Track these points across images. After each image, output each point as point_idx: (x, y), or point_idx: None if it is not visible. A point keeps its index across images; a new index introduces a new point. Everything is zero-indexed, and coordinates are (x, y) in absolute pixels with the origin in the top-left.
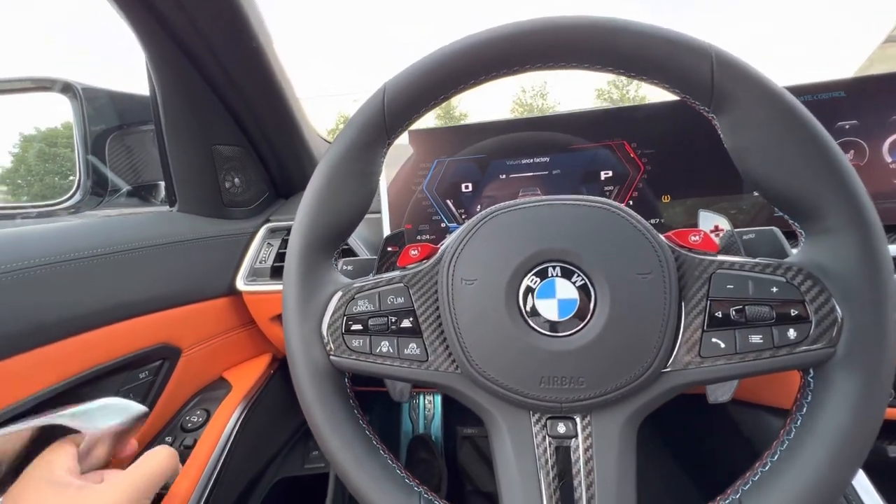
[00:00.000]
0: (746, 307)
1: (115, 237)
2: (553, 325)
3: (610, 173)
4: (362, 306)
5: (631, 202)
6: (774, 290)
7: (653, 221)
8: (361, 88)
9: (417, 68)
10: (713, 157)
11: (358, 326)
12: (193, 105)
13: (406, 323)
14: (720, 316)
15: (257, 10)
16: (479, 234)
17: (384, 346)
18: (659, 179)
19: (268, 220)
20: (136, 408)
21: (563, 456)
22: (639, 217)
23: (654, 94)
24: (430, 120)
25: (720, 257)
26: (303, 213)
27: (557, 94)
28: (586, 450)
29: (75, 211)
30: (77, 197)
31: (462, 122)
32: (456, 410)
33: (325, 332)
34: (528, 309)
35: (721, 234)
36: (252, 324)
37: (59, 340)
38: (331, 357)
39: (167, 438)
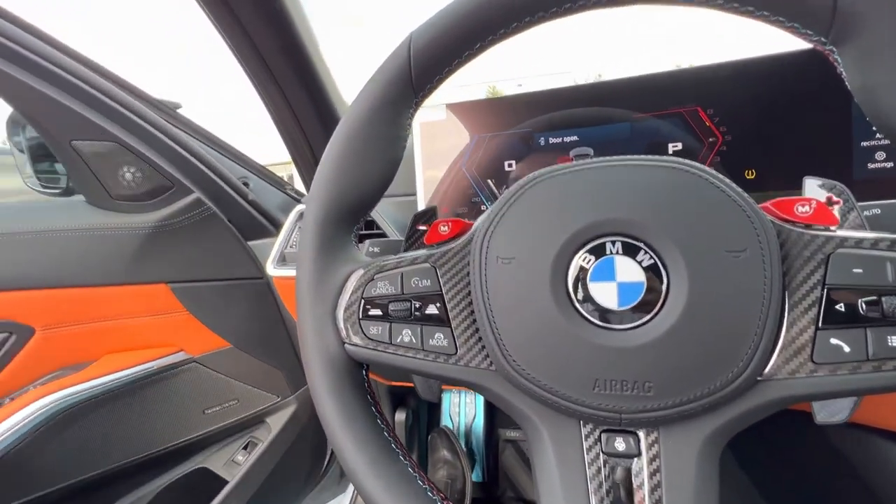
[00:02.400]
0: (884, 298)
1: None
2: (612, 315)
3: (679, 145)
4: (382, 288)
5: None
6: None
7: None
8: None
9: (449, 12)
10: (811, 121)
11: (377, 311)
12: None
13: (432, 309)
14: (842, 309)
15: None
16: (518, 203)
17: (406, 334)
18: (741, 151)
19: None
20: None
21: (621, 478)
22: (727, 180)
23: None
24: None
25: (841, 232)
26: (319, 182)
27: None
28: (653, 474)
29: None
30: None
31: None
32: (499, 410)
33: (340, 317)
34: (579, 294)
35: (838, 207)
36: (155, 314)
37: None
38: (345, 345)
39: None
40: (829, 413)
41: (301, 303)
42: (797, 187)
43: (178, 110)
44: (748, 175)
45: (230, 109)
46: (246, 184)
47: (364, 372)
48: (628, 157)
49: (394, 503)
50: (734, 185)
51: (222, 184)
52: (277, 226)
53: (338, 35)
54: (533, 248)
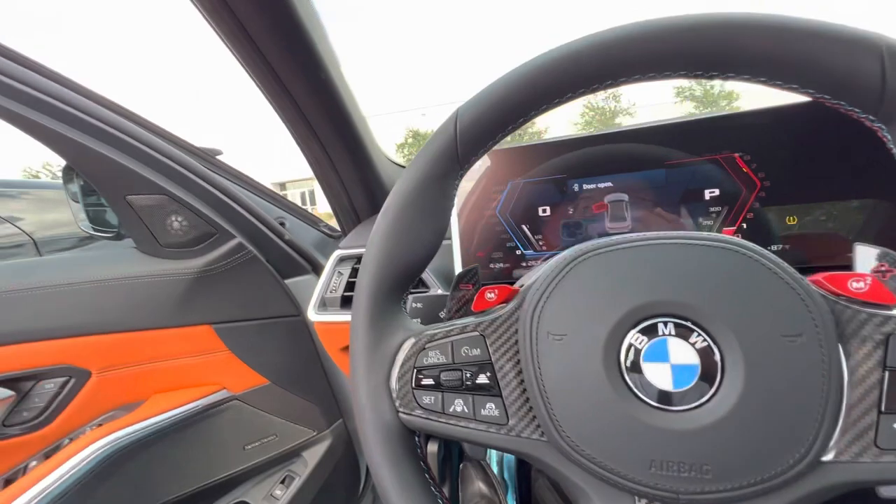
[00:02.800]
0: None
1: (64, 273)
2: (666, 397)
3: (716, 192)
4: (434, 357)
5: (745, 225)
6: None
7: (773, 248)
8: (431, 103)
9: (492, 91)
10: (853, 167)
11: (429, 381)
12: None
13: (482, 378)
14: None
15: (325, 38)
16: (568, 278)
17: (458, 404)
18: (780, 197)
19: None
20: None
21: None
22: (780, 261)
23: (747, 89)
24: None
25: None
26: (372, 253)
27: (632, 95)
28: None
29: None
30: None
31: (537, 140)
32: None
33: (394, 387)
34: (632, 375)
35: (892, 276)
36: (200, 354)
37: None
38: (399, 415)
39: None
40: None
41: (356, 373)
42: (841, 239)
43: (219, 157)
44: (789, 221)
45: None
46: (282, 223)
47: (417, 439)
48: (678, 233)
49: None
50: (786, 265)
51: (261, 226)
52: (313, 263)
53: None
54: (584, 326)
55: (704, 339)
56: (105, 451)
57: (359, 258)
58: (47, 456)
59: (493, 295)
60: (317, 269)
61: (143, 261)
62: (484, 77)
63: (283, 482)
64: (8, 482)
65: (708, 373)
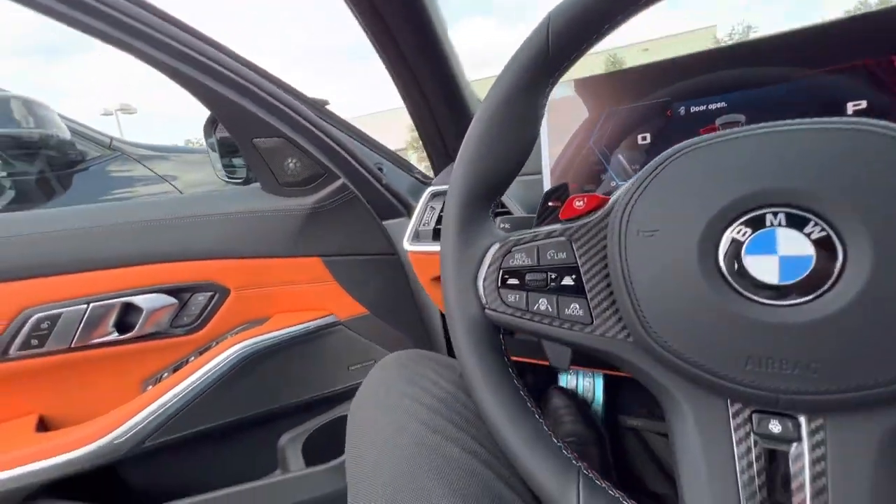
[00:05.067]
0: None
1: (205, 207)
2: (770, 291)
3: (863, 104)
4: (519, 260)
5: None
6: None
7: None
8: None
9: None
10: None
11: (514, 281)
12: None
13: (567, 280)
14: None
15: None
16: (663, 174)
17: (542, 303)
18: None
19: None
20: None
21: (778, 463)
22: None
23: None
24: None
25: None
26: (461, 163)
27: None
28: (816, 461)
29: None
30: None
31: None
32: (620, 395)
33: (480, 285)
34: (731, 268)
35: None
36: (312, 282)
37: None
38: (486, 310)
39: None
40: None
41: (446, 273)
42: None
43: (327, 106)
44: None
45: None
46: (381, 169)
47: (501, 336)
48: (798, 120)
49: (533, 457)
50: None
51: (362, 170)
52: (407, 206)
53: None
54: (679, 220)
55: (823, 229)
56: (239, 355)
57: None
58: (202, 352)
59: (581, 203)
60: (410, 212)
61: (266, 198)
62: None
63: None
64: (175, 369)
65: (824, 265)
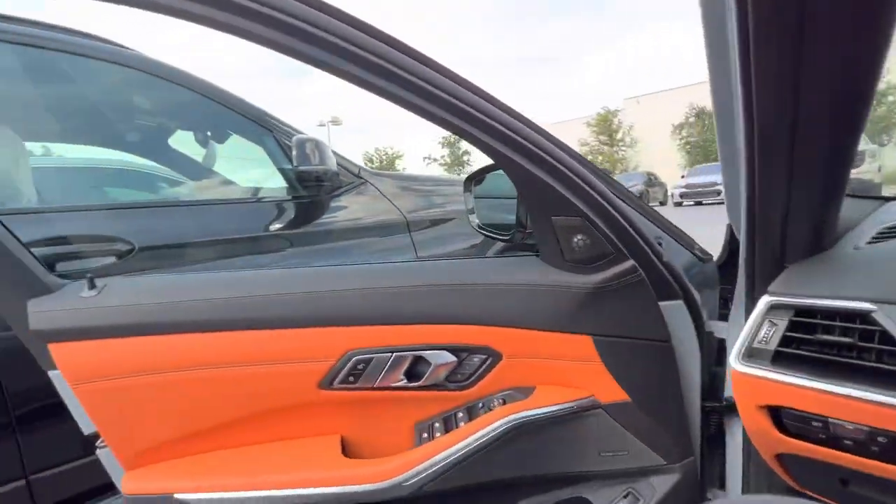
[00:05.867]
0: None
1: (486, 275)
2: None
3: None
4: None
5: None
6: None
7: None
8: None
9: None
10: None
11: None
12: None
13: None
14: None
15: None
16: None
17: None
18: None
19: (765, 292)
20: None
21: None
22: None
23: None
24: None
25: None
26: None
27: None
28: None
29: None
30: None
31: None
32: None
33: None
34: None
35: None
36: (578, 360)
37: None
38: None
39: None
40: None
41: None
42: None
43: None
44: None
45: None
46: (660, 243)
47: None
48: None
49: None
50: None
51: (646, 248)
52: (683, 289)
53: None
54: None
55: None
56: (508, 426)
57: (799, 310)
58: (469, 409)
59: None
60: (687, 295)
61: (546, 271)
62: None
63: (625, 497)
64: (445, 420)
65: None
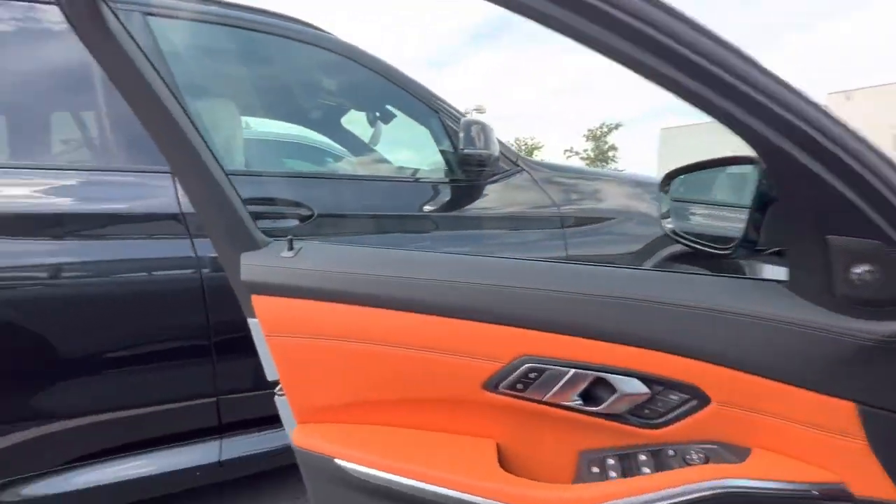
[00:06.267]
0: None
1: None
2: None
3: None
4: None
5: None
6: None
7: None
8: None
9: None
10: None
11: None
12: None
13: None
14: None
15: None
16: None
17: None
18: None
19: None
20: None
21: None
22: None
23: None
24: None
25: None
26: None
27: None
28: None
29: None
30: None
31: None
32: None
33: None
34: None
35: None
36: (828, 431)
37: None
38: None
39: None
40: None
41: None
42: None
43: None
44: None
45: None
46: None
47: None
48: None
49: None
50: None
51: None
52: None
53: None
54: None
55: None
56: (714, 491)
57: None
58: (654, 453)
59: None
60: None
61: (798, 305)
62: None
63: None
64: (621, 458)
65: None
